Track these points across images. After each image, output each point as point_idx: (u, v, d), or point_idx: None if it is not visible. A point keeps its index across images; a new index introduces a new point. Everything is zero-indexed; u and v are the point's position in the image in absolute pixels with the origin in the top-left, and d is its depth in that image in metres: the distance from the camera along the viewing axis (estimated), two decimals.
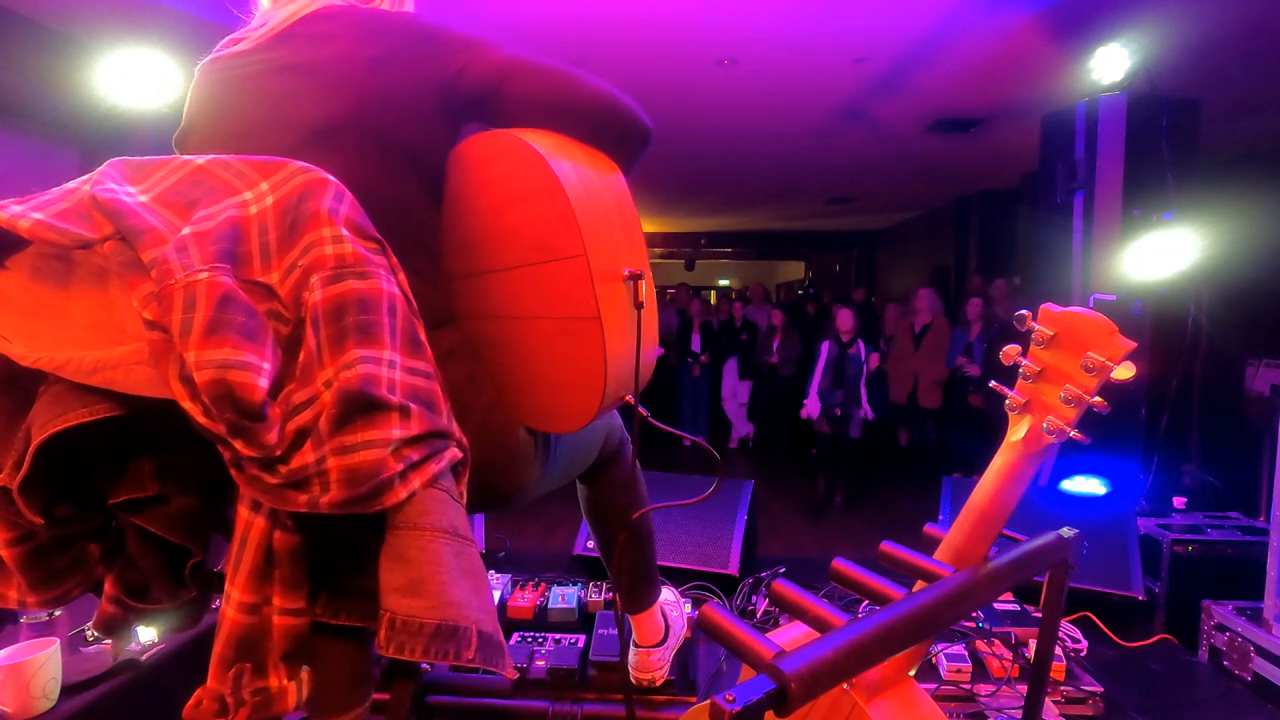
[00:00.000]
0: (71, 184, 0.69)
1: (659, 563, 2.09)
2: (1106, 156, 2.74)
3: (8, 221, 0.63)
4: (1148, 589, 1.98)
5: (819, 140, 5.69)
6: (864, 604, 1.76)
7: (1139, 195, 2.70)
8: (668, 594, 1.66)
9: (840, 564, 0.80)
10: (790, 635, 0.87)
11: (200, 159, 0.74)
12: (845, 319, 5.23)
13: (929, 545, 0.91)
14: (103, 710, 1.33)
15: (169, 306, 0.61)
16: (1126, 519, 2.12)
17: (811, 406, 5.35)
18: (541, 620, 1.89)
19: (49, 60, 3.32)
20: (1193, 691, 1.70)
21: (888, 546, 0.83)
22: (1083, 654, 1.71)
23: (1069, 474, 2.64)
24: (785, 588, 0.72)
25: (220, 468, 0.66)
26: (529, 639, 1.76)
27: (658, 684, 1.54)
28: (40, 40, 3.31)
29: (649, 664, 1.52)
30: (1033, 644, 1.46)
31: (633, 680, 1.53)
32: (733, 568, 2.08)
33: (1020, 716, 0.98)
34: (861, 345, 5.25)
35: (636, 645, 1.52)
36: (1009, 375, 0.88)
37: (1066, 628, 1.80)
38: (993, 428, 4.76)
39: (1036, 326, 0.84)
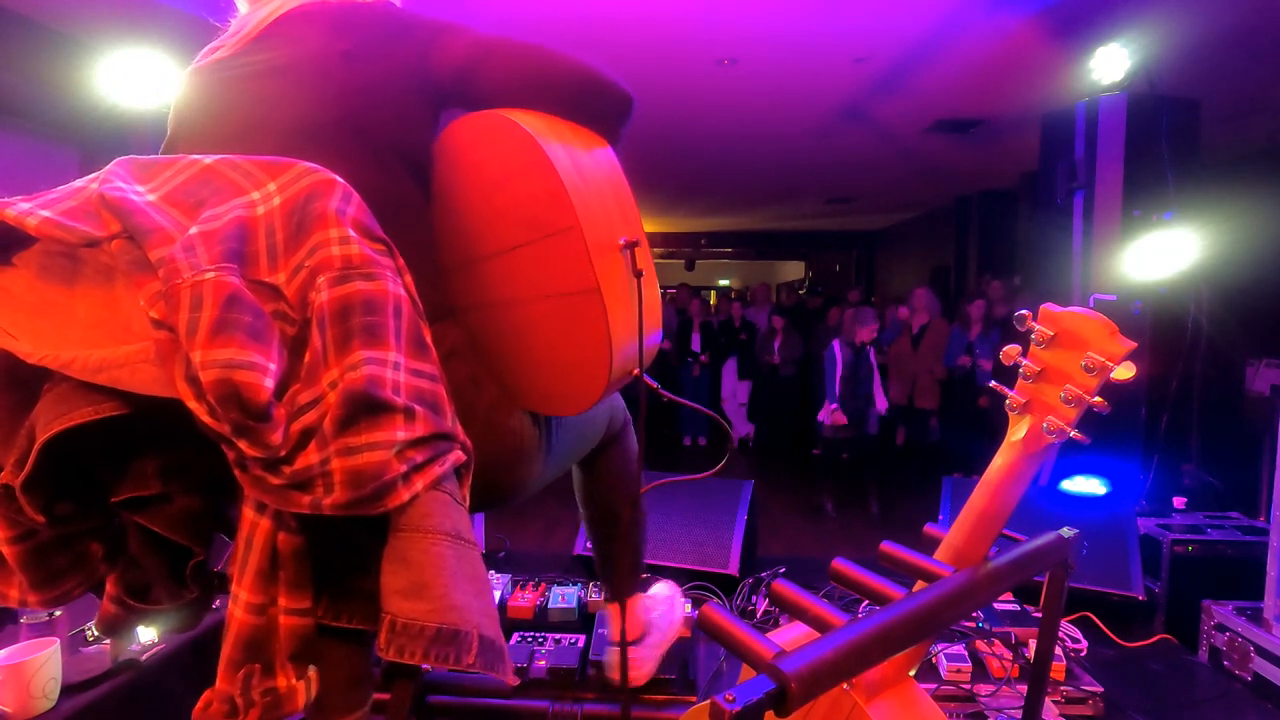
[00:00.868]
0: (79, 182, 0.69)
1: (659, 563, 2.10)
2: (1106, 156, 2.74)
3: (15, 219, 0.63)
4: (1148, 589, 1.98)
5: (819, 140, 5.69)
6: (864, 604, 1.76)
7: (1139, 195, 2.70)
8: (662, 588, 1.65)
9: (840, 564, 0.80)
10: (790, 635, 0.87)
11: (208, 159, 0.74)
12: (869, 330, 5.07)
13: (929, 545, 0.91)
14: (103, 710, 1.33)
15: (175, 306, 0.61)
16: (1126, 519, 2.12)
17: (837, 415, 5.20)
18: (541, 620, 1.89)
19: (49, 60, 3.32)
20: (1193, 691, 1.70)
21: (888, 546, 0.83)
22: (1083, 654, 1.71)
23: (1069, 474, 2.64)
24: (785, 588, 0.73)
25: (224, 467, 0.66)
26: (529, 639, 1.76)
27: (639, 684, 1.51)
28: (40, 40, 3.31)
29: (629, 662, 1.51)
30: (1033, 644, 1.46)
31: (612, 679, 1.51)
32: (733, 568, 2.09)
33: (1020, 716, 0.98)
34: (871, 348, 5.20)
35: (611, 643, 1.51)
36: (1009, 375, 0.89)
37: (1066, 628, 1.80)
38: (993, 428, 4.76)
39: (1036, 326, 0.84)
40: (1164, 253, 2.57)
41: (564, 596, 1.94)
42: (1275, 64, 3.75)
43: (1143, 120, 2.70)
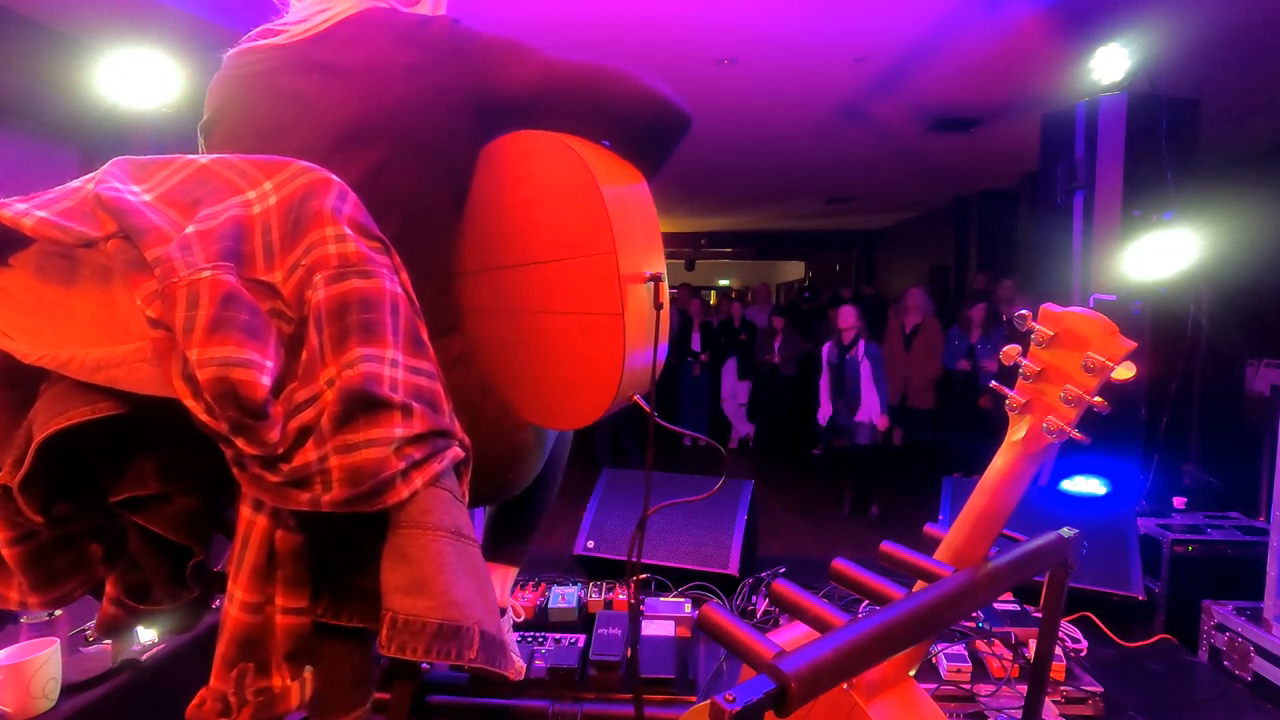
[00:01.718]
0: (75, 183, 0.69)
1: (659, 563, 2.11)
2: (1106, 156, 2.74)
3: (12, 219, 0.63)
4: (1148, 589, 1.98)
5: (819, 140, 5.69)
6: (864, 604, 1.76)
7: (1139, 195, 2.70)
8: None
9: (840, 564, 0.80)
10: (790, 635, 0.87)
11: (204, 158, 0.74)
12: (845, 316, 5.04)
13: (929, 545, 0.91)
14: (103, 710, 1.33)
15: (172, 304, 0.61)
16: (1126, 519, 2.12)
17: (823, 411, 5.24)
18: (541, 620, 1.89)
19: (49, 60, 3.33)
20: (1193, 691, 1.70)
21: (888, 546, 0.83)
22: (1083, 654, 1.71)
23: (1069, 474, 2.64)
24: (785, 588, 0.72)
25: (222, 466, 0.66)
26: (529, 639, 1.76)
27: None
28: (40, 40, 3.31)
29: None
30: (1033, 644, 1.46)
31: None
32: (733, 568, 2.08)
33: (1020, 716, 0.98)
34: (863, 345, 5.04)
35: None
36: (1009, 375, 0.89)
37: (1066, 628, 1.80)
38: (993, 428, 4.76)
39: (1036, 326, 0.84)
40: (1164, 253, 2.57)
41: (564, 596, 1.94)
42: (1275, 64, 3.75)
43: (1143, 120, 2.70)
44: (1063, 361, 0.82)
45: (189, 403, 0.62)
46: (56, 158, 4.06)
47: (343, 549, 0.75)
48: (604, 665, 1.61)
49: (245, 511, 0.68)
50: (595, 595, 1.96)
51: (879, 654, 0.62)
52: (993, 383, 0.93)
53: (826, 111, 4.91)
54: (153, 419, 0.69)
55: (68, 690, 1.31)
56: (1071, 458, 2.63)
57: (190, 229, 0.66)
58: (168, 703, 1.45)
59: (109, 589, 0.81)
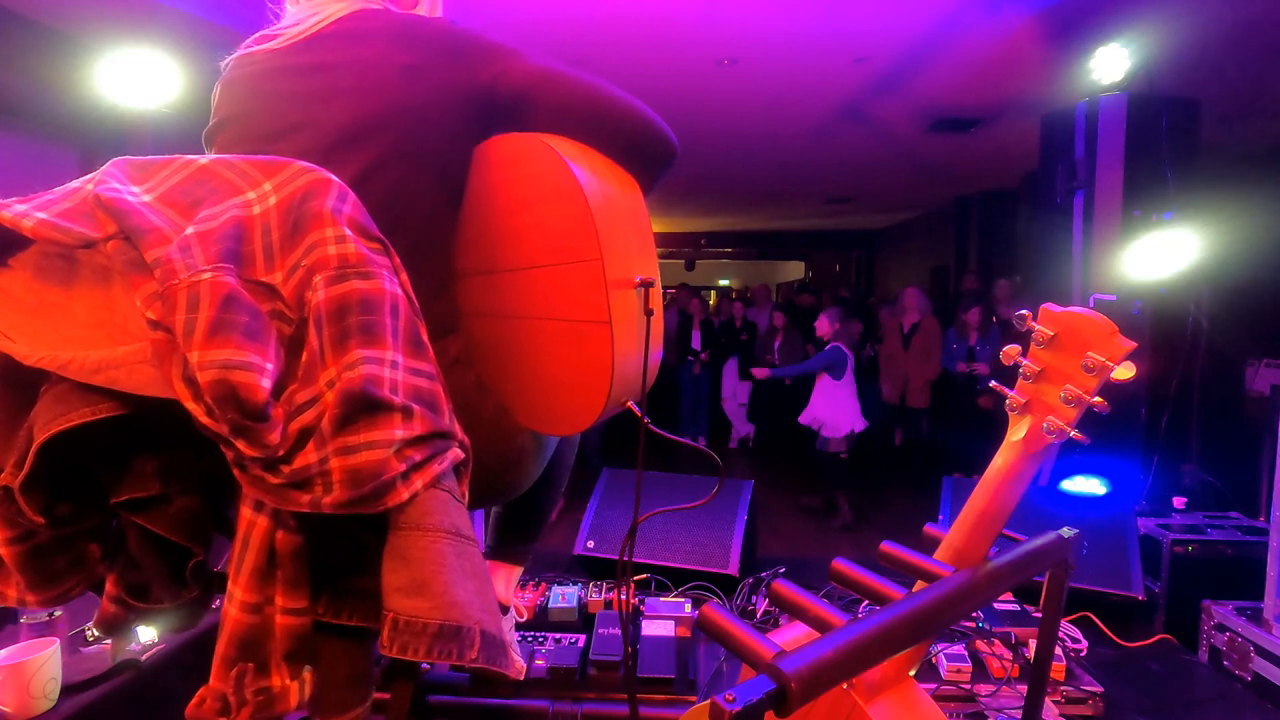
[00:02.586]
0: (75, 183, 0.69)
1: (659, 563, 2.11)
2: (1106, 156, 2.74)
3: (11, 220, 0.63)
4: (1148, 589, 1.98)
5: (819, 140, 5.69)
6: (864, 604, 1.76)
7: (1139, 195, 2.70)
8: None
9: (840, 564, 0.80)
10: (790, 635, 0.87)
11: (203, 159, 0.74)
12: (821, 323, 5.01)
13: (929, 545, 0.91)
14: (103, 710, 1.33)
15: (172, 306, 0.61)
16: (1126, 519, 2.12)
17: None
18: (541, 620, 1.89)
19: (49, 60, 3.33)
20: (1193, 691, 1.70)
21: (888, 546, 0.83)
22: (1083, 654, 1.71)
23: (1069, 474, 2.64)
24: (785, 588, 0.72)
25: (223, 467, 0.66)
26: (529, 639, 1.76)
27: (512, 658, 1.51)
28: (40, 40, 3.31)
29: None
30: (1033, 644, 1.46)
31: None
32: (733, 568, 2.09)
33: (1020, 716, 0.98)
34: (826, 350, 4.93)
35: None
36: (1009, 375, 0.89)
37: (1066, 628, 1.80)
38: (992, 428, 4.76)
39: (1036, 326, 0.84)
40: (1164, 253, 2.57)
41: (564, 596, 1.94)
42: (1275, 64, 3.75)
43: (1143, 120, 2.70)
44: (1063, 361, 0.82)
45: (189, 405, 0.62)
46: (56, 158, 4.06)
47: (343, 550, 0.75)
48: (604, 665, 1.61)
49: (246, 512, 0.68)
50: (595, 595, 1.96)
51: (879, 654, 0.63)
52: (992, 383, 0.93)
53: (827, 111, 4.91)
54: (153, 420, 0.69)
55: (68, 690, 1.31)
56: (1071, 458, 2.64)
57: (190, 230, 0.66)
58: (167, 703, 1.45)
59: (109, 587, 0.81)
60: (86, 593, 0.80)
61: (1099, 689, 1.52)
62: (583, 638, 1.76)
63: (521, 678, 1.55)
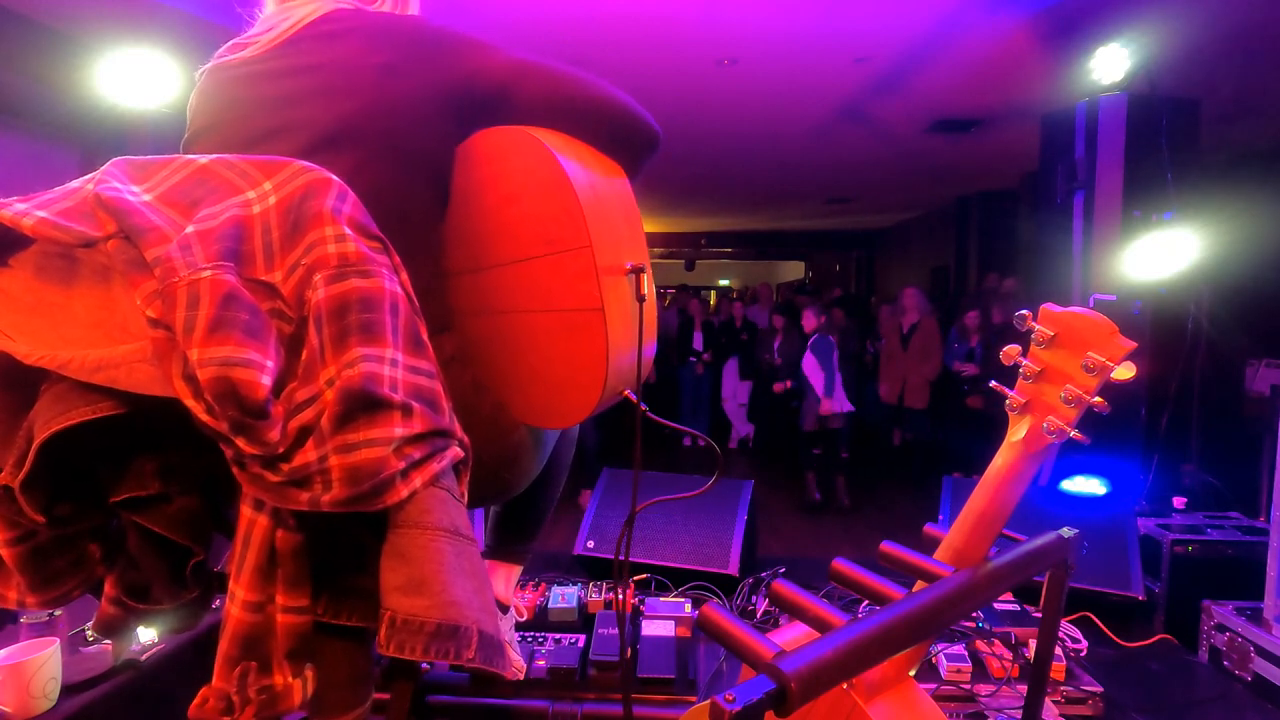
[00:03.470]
0: (75, 183, 0.69)
1: (659, 563, 2.11)
2: (1106, 156, 2.74)
3: (11, 220, 0.63)
4: (1148, 589, 1.98)
5: (819, 140, 5.70)
6: (864, 604, 1.76)
7: (1139, 195, 2.70)
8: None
9: (840, 564, 0.80)
10: (790, 635, 0.87)
11: (203, 158, 0.74)
12: (806, 319, 5.44)
13: (929, 545, 0.91)
14: (103, 710, 1.33)
15: (172, 304, 0.61)
16: (1126, 519, 2.12)
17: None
18: (541, 620, 1.89)
19: (49, 60, 3.33)
20: (1193, 691, 1.70)
21: (888, 546, 0.83)
22: (1083, 654, 1.71)
23: (1069, 474, 2.64)
24: (785, 588, 0.72)
25: (222, 466, 0.66)
26: (529, 639, 1.76)
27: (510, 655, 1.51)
28: (40, 40, 3.31)
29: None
30: (1033, 644, 1.46)
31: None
32: (733, 568, 2.09)
33: (1020, 716, 0.98)
34: (813, 340, 5.37)
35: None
36: (1009, 375, 0.89)
37: (1066, 628, 1.80)
38: (992, 428, 4.76)
39: (1037, 326, 0.84)
40: (1164, 253, 2.57)
41: (564, 596, 1.94)
42: (1275, 64, 3.75)
43: (1143, 120, 2.70)
44: (1063, 361, 0.82)
45: (189, 402, 0.62)
46: (56, 158, 4.06)
47: (343, 549, 0.75)
48: (604, 665, 1.61)
49: (246, 511, 0.68)
50: (595, 595, 1.96)
51: (879, 654, 0.62)
52: (993, 382, 0.93)
53: (827, 111, 4.91)
54: (153, 419, 0.69)
55: (68, 690, 1.31)
56: (1071, 458, 2.64)
57: (190, 229, 0.66)
58: (168, 703, 1.45)
59: (108, 588, 0.81)
60: (87, 594, 0.80)
61: (1099, 689, 1.52)
62: (582, 638, 1.76)
63: (521, 678, 1.55)
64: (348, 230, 0.72)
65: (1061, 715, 1.49)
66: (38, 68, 3.33)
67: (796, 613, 0.70)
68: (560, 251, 0.90)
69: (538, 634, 1.79)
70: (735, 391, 7.45)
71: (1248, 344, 4.64)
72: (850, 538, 4.85)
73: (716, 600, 1.97)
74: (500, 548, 1.48)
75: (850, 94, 4.52)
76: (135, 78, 2.49)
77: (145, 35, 2.53)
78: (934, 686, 1.52)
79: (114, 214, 0.65)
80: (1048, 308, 0.84)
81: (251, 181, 0.72)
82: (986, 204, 7.94)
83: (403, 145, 0.91)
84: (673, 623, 1.79)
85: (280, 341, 0.67)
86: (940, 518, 2.20)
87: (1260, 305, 4.54)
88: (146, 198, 0.69)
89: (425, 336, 0.78)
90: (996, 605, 1.83)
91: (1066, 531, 0.87)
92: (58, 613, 1.40)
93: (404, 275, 0.78)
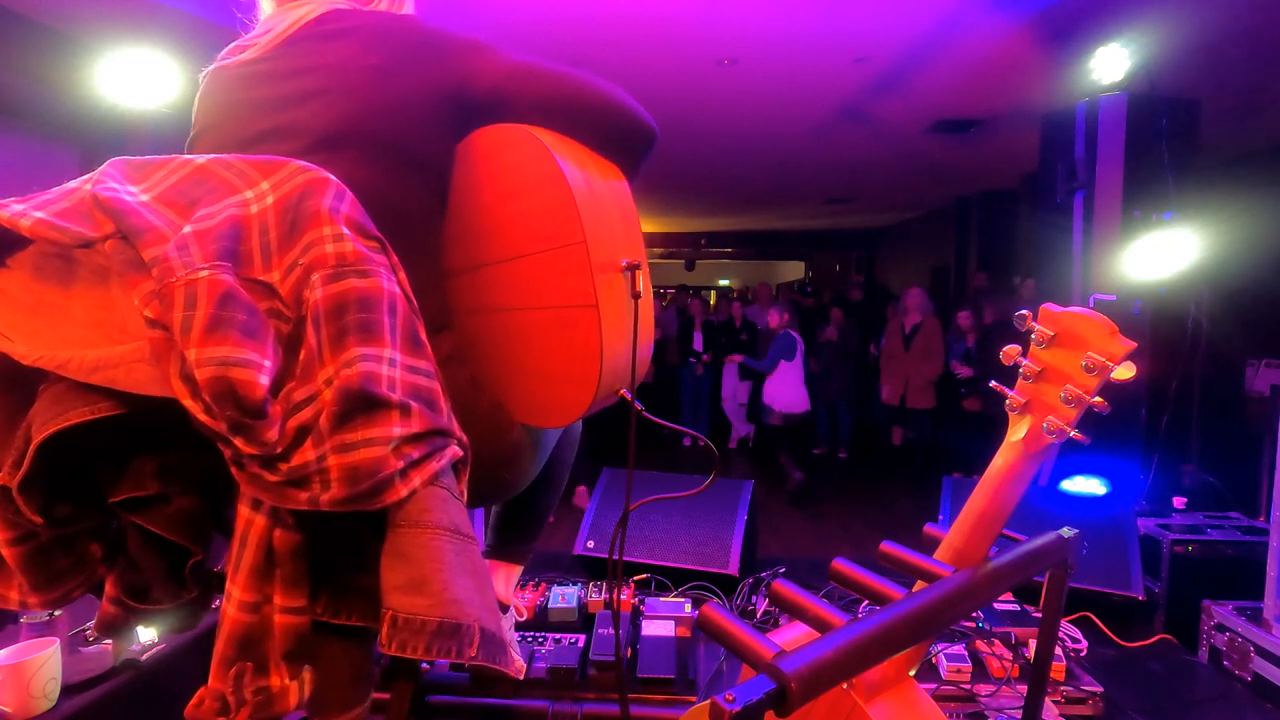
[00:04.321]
0: (72, 183, 0.69)
1: (659, 563, 2.10)
2: (1106, 156, 2.74)
3: (9, 220, 0.63)
4: (1148, 589, 1.98)
5: (819, 140, 5.70)
6: (864, 604, 1.76)
7: (1139, 195, 2.70)
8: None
9: (840, 564, 0.80)
10: (790, 635, 0.86)
11: (201, 158, 0.74)
12: (771, 316, 5.75)
13: (929, 545, 0.91)
14: (103, 710, 1.33)
15: (170, 304, 0.61)
16: (1126, 519, 2.12)
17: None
18: (541, 620, 1.89)
19: (49, 60, 3.33)
20: (1193, 691, 1.70)
21: (888, 546, 0.83)
22: (1083, 654, 1.71)
23: (1069, 474, 2.64)
24: (785, 588, 0.72)
25: (221, 466, 0.65)
26: (529, 639, 1.76)
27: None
28: (40, 40, 3.31)
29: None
30: (1033, 644, 1.46)
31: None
32: (733, 568, 2.08)
33: (1020, 716, 0.98)
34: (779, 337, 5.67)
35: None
36: (1009, 375, 0.89)
37: (1066, 628, 1.80)
38: (992, 428, 4.77)
39: (1036, 326, 0.84)
40: (1164, 253, 2.57)
41: (564, 596, 1.94)
42: (1275, 64, 3.75)
43: (1143, 120, 2.70)
44: (1063, 361, 0.82)
45: (187, 402, 0.62)
46: (56, 158, 4.06)
47: (341, 548, 0.75)
48: (604, 665, 1.61)
49: (244, 511, 0.68)
50: (595, 595, 1.96)
51: (879, 654, 0.62)
52: (993, 382, 0.92)
53: (827, 111, 4.91)
54: (151, 419, 0.69)
55: (68, 690, 1.31)
56: (1071, 458, 2.63)
57: (188, 229, 0.66)
58: (168, 703, 1.45)
59: (108, 589, 0.81)
60: (87, 594, 0.80)
61: (1099, 689, 1.52)
62: (582, 638, 1.76)
63: (521, 677, 1.55)
64: (345, 230, 0.71)
65: (1061, 715, 1.49)
66: (38, 68, 3.33)
67: (796, 613, 0.70)
68: (555, 248, 0.90)
69: (538, 634, 1.79)
70: (735, 391, 7.44)
71: (1248, 344, 4.65)
72: (850, 538, 4.85)
73: (716, 600, 1.97)
74: (501, 547, 1.48)
75: (850, 94, 4.52)
76: (135, 78, 2.49)
77: (145, 35, 2.53)
78: (934, 686, 1.52)
79: (111, 214, 0.65)
80: (1047, 308, 0.84)
81: (249, 181, 0.72)
82: (986, 204, 7.95)
83: (400, 145, 0.91)
84: (673, 623, 1.79)
85: (278, 341, 0.67)
86: (940, 518, 2.20)
87: (1260, 305, 4.54)
88: (144, 198, 0.69)
89: (423, 336, 0.78)
90: (996, 605, 1.83)
91: (1066, 531, 0.87)
92: (58, 613, 1.40)
93: (402, 275, 0.78)
